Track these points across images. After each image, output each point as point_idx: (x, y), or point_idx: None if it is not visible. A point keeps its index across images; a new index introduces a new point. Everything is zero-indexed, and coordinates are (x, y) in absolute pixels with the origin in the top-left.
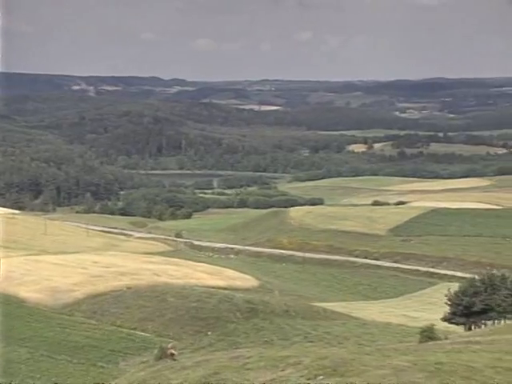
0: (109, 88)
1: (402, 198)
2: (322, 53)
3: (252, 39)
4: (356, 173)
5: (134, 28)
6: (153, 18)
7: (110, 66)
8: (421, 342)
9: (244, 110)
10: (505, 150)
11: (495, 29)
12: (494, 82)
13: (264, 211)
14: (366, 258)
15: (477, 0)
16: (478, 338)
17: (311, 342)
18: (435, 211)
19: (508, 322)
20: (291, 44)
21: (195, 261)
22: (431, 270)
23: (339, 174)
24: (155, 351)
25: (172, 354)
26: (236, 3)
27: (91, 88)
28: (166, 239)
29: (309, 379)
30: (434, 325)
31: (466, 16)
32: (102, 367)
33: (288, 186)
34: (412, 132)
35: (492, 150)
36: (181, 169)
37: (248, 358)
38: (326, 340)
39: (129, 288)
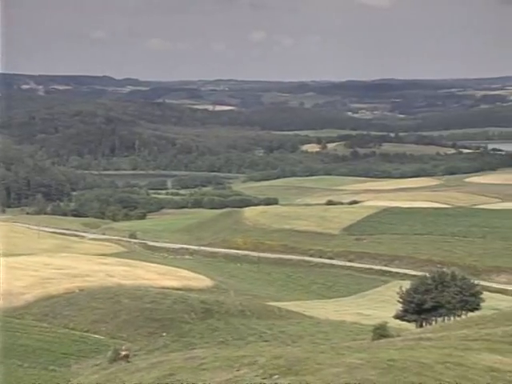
0: (59, 87)
1: (356, 198)
2: (276, 53)
3: (205, 39)
4: (310, 172)
5: (85, 26)
6: (104, 16)
7: (60, 65)
8: (374, 339)
9: (198, 109)
10: (453, 150)
11: (444, 31)
12: (442, 84)
13: (219, 211)
14: (320, 257)
15: (426, 2)
16: (428, 335)
17: (266, 341)
18: (387, 210)
19: (457, 318)
20: (245, 44)
21: (150, 262)
22: (384, 268)
23: (293, 174)
24: (109, 353)
25: (126, 356)
26: (189, 3)
27: (41, 87)
28: (119, 240)
29: (264, 379)
30: (386, 322)
31: (416, 18)
32: (54, 371)
33: (242, 186)
34: (364, 132)
35: (441, 150)
36: (134, 169)
37: (203, 358)
38: (280, 339)
39: (81, 290)
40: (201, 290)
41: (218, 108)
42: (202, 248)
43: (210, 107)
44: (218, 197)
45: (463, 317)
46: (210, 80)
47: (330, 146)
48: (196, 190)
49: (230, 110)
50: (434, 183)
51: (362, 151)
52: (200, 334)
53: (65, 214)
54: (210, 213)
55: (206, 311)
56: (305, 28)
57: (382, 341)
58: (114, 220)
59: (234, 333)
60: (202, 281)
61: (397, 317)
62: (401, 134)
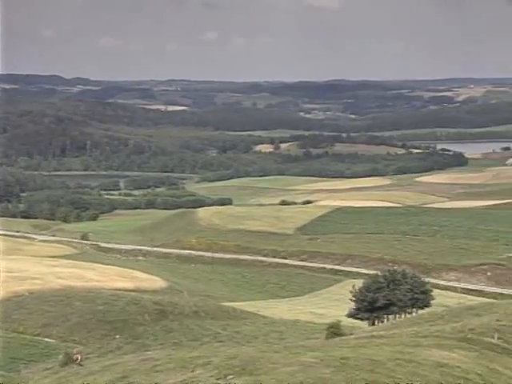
0: (6, 86)
1: (309, 198)
2: (228, 53)
3: (157, 39)
4: (263, 173)
5: (34, 24)
6: (54, 14)
7: (6, 64)
8: (327, 338)
9: (150, 110)
10: (404, 151)
11: (392, 33)
12: (392, 85)
13: (172, 212)
14: (274, 257)
15: (375, 4)
16: (381, 332)
17: (221, 341)
18: (340, 210)
19: (408, 315)
20: (197, 44)
21: (102, 263)
22: (337, 267)
23: (247, 174)
24: (60, 357)
25: (78, 360)
26: (141, 2)
27: None
28: (71, 242)
29: (218, 379)
30: (339, 321)
31: (366, 20)
32: (3, 376)
33: (196, 187)
34: (317, 132)
35: (392, 150)
36: (86, 170)
37: (157, 360)
38: (235, 339)
39: (31, 293)
40: (154, 292)
41: (171, 108)
42: (156, 249)
43: (163, 107)
44: (172, 197)
45: (414, 314)
46: (162, 80)
47: (283, 146)
48: (149, 190)
49: (183, 111)
50: (386, 183)
51: (314, 151)
52: (154, 335)
53: (14, 216)
54: (163, 213)
55: (159, 312)
56: (256, 28)
57: (336, 339)
58: (66, 221)
59: (188, 334)
60: (155, 282)
61: (350, 315)
62: (352, 134)
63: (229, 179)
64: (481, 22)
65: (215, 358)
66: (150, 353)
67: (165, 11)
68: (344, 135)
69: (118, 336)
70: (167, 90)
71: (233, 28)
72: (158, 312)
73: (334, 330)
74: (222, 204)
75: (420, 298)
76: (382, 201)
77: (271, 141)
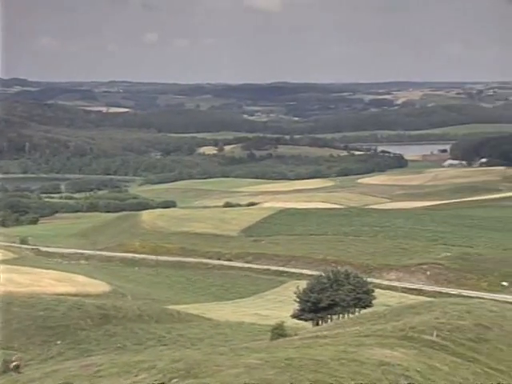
0: None
1: (253, 199)
2: (170, 55)
3: (97, 39)
4: (207, 175)
5: None
6: None
7: None
8: (272, 339)
9: (91, 111)
10: (346, 153)
11: (335, 36)
12: (334, 88)
13: (115, 215)
14: (218, 259)
15: (317, 8)
16: (324, 333)
17: (165, 345)
18: (284, 212)
19: (351, 315)
20: (138, 45)
21: (43, 268)
22: (281, 268)
23: (191, 177)
24: None
25: (17, 367)
26: (80, 2)
27: None
28: (9, 246)
29: (163, 383)
30: (284, 322)
31: (308, 22)
32: None
33: (140, 189)
34: (260, 134)
35: (334, 152)
36: (25, 172)
37: (100, 365)
38: (179, 343)
39: None
40: (97, 296)
41: (113, 110)
42: (98, 252)
43: (104, 109)
44: (114, 200)
45: (357, 314)
46: (103, 81)
47: (227, 148)
48: (91, 193)
49: (125, 112)
50: (328, 184)
51: (258, 153)
52: (97, 340)
53: None
54: (105, 217)
55: (102, 317)
56: (198, 30)
57: (280, 340)
58: (4, 226)
59: (132, 338)
60: (98, 286)
61: (294, 316)
62: (296, 136)
63: (172, 182)
64: (419, 26)
65: (159, 362)
66: (92, 358)
67: (105, 12)
68: (287, 137)
69: (59, 342)
70: (109, 92)
71: (174, 29)
72: (101, 316)
73: (279, 331)
74: (166, 206)
75: (362, 297)
76: (325, 202)
77: (215, 143)
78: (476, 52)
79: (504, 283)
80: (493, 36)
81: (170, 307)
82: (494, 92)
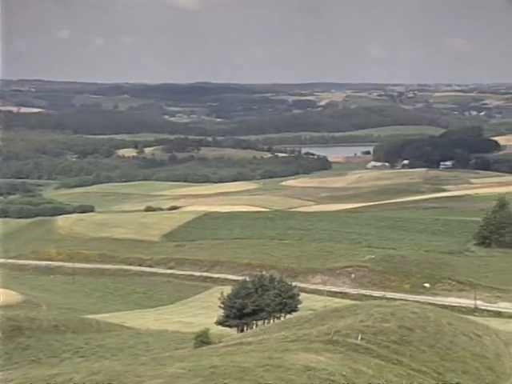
0: None
1: (175, 203)
2: (87, 53)
3: (5, 36)
4: (127, 178)
5: None
6: None
7: None
8: (196, 347)
9: (1, 111)
10: (270, 154)
11: (257, 36)
12: (257, 88)
13: (28, 220)
14: (139, 265)
15: (239, 7)
16: (249, 339)
17: (83, 357)
18: (207, 215)
19: (277, 320)
20: (50, 42)
21: None
22: (205, 274)
23: (110, 180)
24: None
25: None
26: None
27: None
28: None
29: None
30: (208, 329)
31: (230, 22)
32: None
33: (55, 193)
34: (182, 136)
35: (258, 154)
36: None
37: (11, 380)
38: (99, 354)
39: None
40: (9, 306)
41: (24, 110)
42: (10, 261)
43: (15, 109)
44: (27, 205)
45: (282, 319)
46: (12, 80)
47: (148, 150)
48: (1, 198)
49: (38, 113)
50: (252, 187)
51: (180, 155)
52: (8, 354)
53: None
54: (17, 223)
55: (15, 329)
56: (115, 28)
57: (204, 348)
58: None
59: (47, 350)
60: (10, 296)
61: (218, 323)
62: (218, 138)
63: (90, 185)
64: (342, 27)
65: (77, 375)
66: (2, 373)
67: (13, 6)
68: (210, 139)
69: None
70: (19, 91)
71: (90, 26)
72: (12, 328)
73: (203, 339)
74: (84, 211)
75: (288, 302)
76: (249, 205)
77: (134, 145)
78: (397, 54)
79: (426, 284)
80: (414, 38)
81: (89, 317)
82: (414, 94)
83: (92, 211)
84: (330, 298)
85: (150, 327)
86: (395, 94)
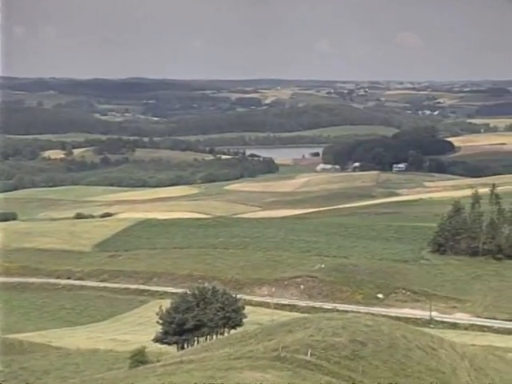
0: None
1: (108, 210)
2: (6, 44)
3: None
4: (54, 183)
5: None
6: None
7: None
8: (131, 367)
9: None
10: (211, 157)
11: (194, 29)
12: (196, 85)
13: None
14: (68, 278)
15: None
16: (190, 357)
17: (3, 381)
18: (144, 223)
19: (220, 336)
20: None
21: None
22: (141, 287)
23: (34, 185)
24: None
25: None
26: None
27: None
28: None
29: None
30: (145, 347)
31: (165, 13)
32: None
33: None
34: (115, 136)
35: (199, 156)
36: None
37: None
38: (21, 377)
39: None
40: None
41: None
42: None
43: None
44: None
45: (226, 334)
46: None
47: (77, 151)
48: None
49: None
50: (193, 192)
51: (113, 158)
52: None
53: None
54: None
55: None
56: (37, 15)
57: (141, 368)
58: None
59: None
60: None
61: (156, 340)
62: (155, 138)
63: (12, 190)
64: (288, 21)
65: None
66: None
67: None
68: (146, 140)
69: None
70: None
71: (7, 13)
72: None
73: (139, 358)
74: (5, 219)
75: (232, 316)
76: (190, 212)
77: (62, 146)
78: (346, 49)
79: (379, 295)
80: (363, 33)
81: (10, 336)
82: (366, 92)
83: (15, 219)
84: (278, 311)
85: (80, 346)
86: (345, 91)
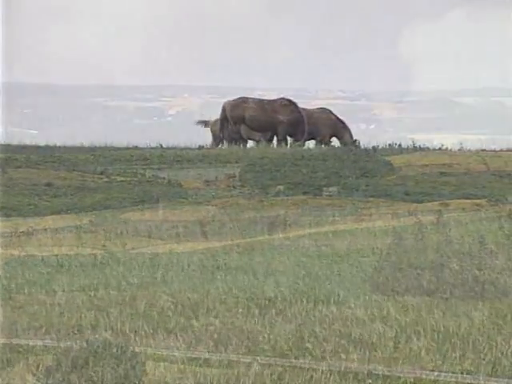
0: None
1: None
2: None
3: None
4: None
5: None
6: None
7: None
8: None
9: None
10: (105, 178)
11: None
12: (83, 90)
13: None
14: None
15: None
16: None
17: None
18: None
19: None
20: None
21: None
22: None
23: None
24: None
25: None
26: None
27: None
28: None
29: None
30: None
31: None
32: None
33: None
34: None
35: (89, 178)
36: None
37: None
38: None
39: None
40: None
41: None
42: None
43: None
44: None
45: None
46: None
47: None
48: None
49: None
50: (81, 222)
51: None
52: None
53: None
54: None
55: None
56: None
57: None
58: None
59: None
60: None
61: None
62: (32, 156)
63: None
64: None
65: None
66: None
67: None
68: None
69: None
70: None
71: None
72: None
73: None
74: None
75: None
76: (76, 246)
77: None
78: (268, 51)
79: None
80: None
81: None
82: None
83: None
84: None
85: None
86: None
